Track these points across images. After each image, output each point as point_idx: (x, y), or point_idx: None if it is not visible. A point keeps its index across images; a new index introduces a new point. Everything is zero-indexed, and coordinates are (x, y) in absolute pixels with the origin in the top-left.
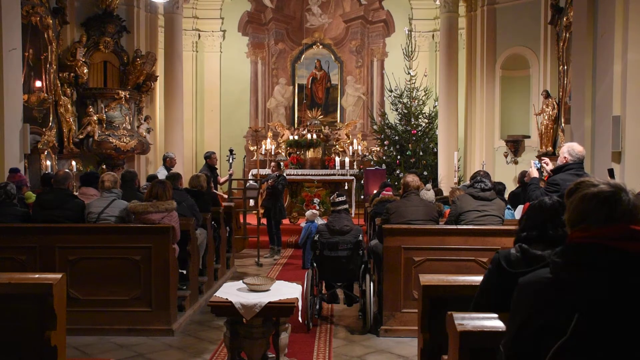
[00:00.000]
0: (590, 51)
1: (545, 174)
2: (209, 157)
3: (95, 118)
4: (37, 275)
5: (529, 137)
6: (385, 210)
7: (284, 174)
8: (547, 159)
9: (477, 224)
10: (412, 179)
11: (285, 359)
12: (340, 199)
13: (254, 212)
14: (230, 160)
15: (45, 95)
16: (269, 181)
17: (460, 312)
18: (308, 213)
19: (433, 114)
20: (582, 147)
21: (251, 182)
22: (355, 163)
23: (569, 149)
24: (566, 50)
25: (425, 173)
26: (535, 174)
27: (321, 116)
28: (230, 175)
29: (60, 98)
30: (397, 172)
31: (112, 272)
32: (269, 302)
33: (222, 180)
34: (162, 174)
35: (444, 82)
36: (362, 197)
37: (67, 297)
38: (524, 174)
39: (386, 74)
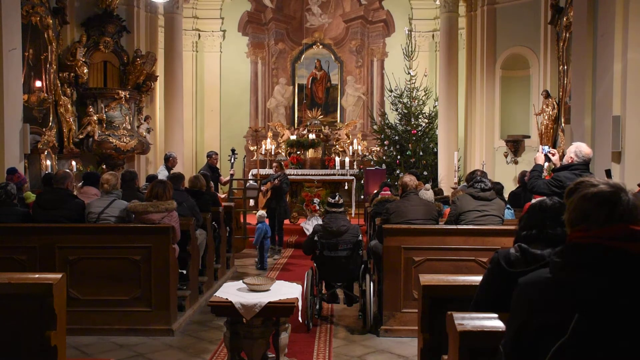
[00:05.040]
0: (590, 51)
1: (550, 163)
2: (210, 157)
3: (95, 118)
4: (37, 275)
5: (529, 137)
6: (385, 210)
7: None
8: (554, 150)
9: (477, 224)
10: (409, 178)
11: (285, 359)
12: (335, 200)
13: (254, 212)
14: (232, 160)
15: (45, 95)
16: (275, 180)
17: (460, 312)
18: (259, 213)
19: (433, 114)
20: (589, 149)
21: (251, 182)
22: (355, 163)
23: (576, 150)
24: (566, 50)
25: (425, 173)
26: (540, 160)
27: (321, 116)
28: (232, 175)
29: (60, 98)
30: (397, 172)
31: (112, 272)
32: (269, 302)
33: (224, 180)
34: (162, 174)
35: (444, 82)
36: (362, 197)
37: (67, 297)
38: (524, 174)
39: (386, 74)
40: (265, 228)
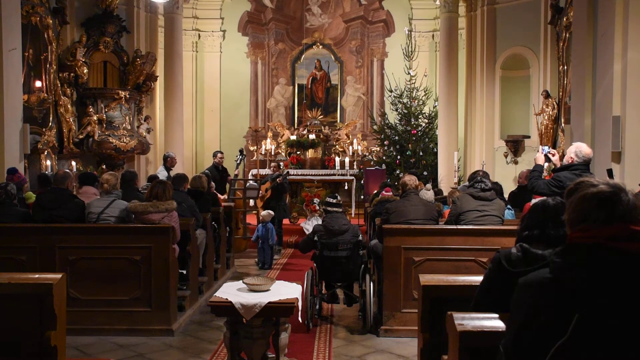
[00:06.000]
0: (590, 51)
1: (550, 164)
2: (215, 156)
3: (95, 118)
4: (37, 275)
5: (529, 137)
6: (385, 210)
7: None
8: (554, 150)
9: (477, 224)
10: (409, 178)
11: (285, 359)
12: (334, 200)
13: (254, 212)
14: (238, 161)
15: (45, 95)
16: (278, 179)
17: (460, 312)
18: (264, 213)
19: (433, 114)
20: (589, 150)
21: (251, 182)
22: (355, 163)
23: (576, 150)
24: (566, 50)
25: (425, 173)
26: (540, 160)
27: (321, 116)
28: (236, 176)
29: (60, 98)
30: (397, 172)
31: (112, 272)
32: (269, 302)
33: (231, 179)
34: (162, 174)
35: (444, 82)
36: (362, 197)
37: (67, 297)
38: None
39: (386, 74)
40: (269, 227)
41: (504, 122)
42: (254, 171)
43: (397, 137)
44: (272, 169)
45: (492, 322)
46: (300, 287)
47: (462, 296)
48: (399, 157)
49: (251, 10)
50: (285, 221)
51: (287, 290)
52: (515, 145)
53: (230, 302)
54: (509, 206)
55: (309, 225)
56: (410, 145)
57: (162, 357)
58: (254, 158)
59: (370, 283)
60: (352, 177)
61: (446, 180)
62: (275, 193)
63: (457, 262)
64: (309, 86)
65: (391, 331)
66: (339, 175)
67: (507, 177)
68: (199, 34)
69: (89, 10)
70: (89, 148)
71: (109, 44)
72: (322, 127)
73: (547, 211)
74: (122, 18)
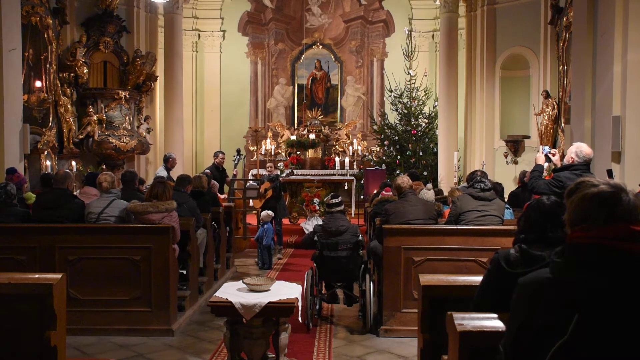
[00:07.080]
0: (590, 51)
1: (551, 164)
2: (216, 156)
3: (95, 118)
4: (37, 275)
5: (529, 137)
6: (384, 211)
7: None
8: (554, 150)
9: (477, 224)
10: (402, 180)
11: (285, 359)
12: (336, 200)
13: (254, 212)
14: (236, 161)
15: (45, 95)
16: (280, 178)
17: (460, 312)
18: (263, 214)
19: (433, 114)
20: (590, 150)
21: (251, 182)
22: (355, 163)
23: (577, 150)
24: (566, 50)
25: (425, 173)
26: (541, 160)
27: (321, 116)
28: (235, 176)
29: (60, 98)
30: (397, 172)
31: (112, 272)
32: (269, 302)
33: (229, 180)
34: (162, 174)
35: (444, 82)
36: (362, 197)
37: (67, 297)
38: (524, 174)
39: (386, 74)
40: (266, 228)
41: (504, 122)
42: (254, 171)
43: (397, 137)
44: (268, 169)
45: (492, 322)
46: (300, 287)
47: (462, 296)
48: (399, 157)
49: (251, 10)
50: (285, 221)
51: (287, 290)
52: (515, 145)
53: (230, 302)
54: (507, 205)
55: (309, 225)
56: (410, 145)
57: (162, 357)
58: (254, 158)
59: (370, 283)
60: (352, 177)
61: (446, 180)
62: (275, 193)
63: (457, 262)
64: (309, 86)
65: (391, 331)
66: (339, 175)
67: (507, 177)
68: (199, 34)
69: (89, 10)
70: (89, 148)
71: (109, 44)
72: (322, 127)
73: (545, 214)
74: (122, 18)
